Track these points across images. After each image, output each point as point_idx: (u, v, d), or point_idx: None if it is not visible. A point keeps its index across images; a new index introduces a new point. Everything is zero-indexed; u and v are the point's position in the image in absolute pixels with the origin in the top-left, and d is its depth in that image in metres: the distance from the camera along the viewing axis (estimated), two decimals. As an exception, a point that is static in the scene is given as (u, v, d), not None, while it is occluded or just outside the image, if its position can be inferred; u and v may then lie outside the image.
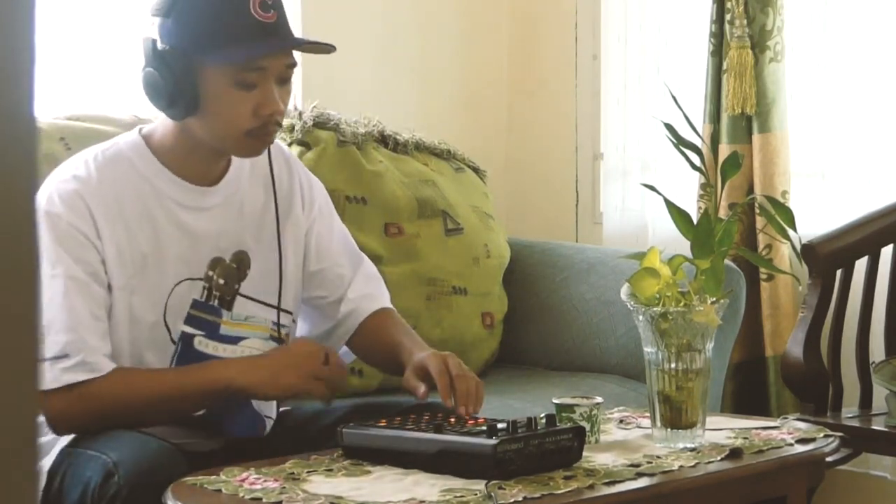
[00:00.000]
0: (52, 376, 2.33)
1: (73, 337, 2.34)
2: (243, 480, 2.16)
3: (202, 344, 2.49)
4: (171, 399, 2.39)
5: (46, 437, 2.39)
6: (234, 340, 2.53)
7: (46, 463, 2.35)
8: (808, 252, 3.36)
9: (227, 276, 2.51)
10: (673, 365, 2.35)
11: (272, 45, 2.39)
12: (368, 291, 2.66)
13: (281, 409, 2.65)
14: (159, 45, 2.39)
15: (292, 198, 2.60)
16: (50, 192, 2.39)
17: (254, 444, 2.50)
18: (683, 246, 2.44)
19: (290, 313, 2.60)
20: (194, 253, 2.48)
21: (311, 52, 2.51)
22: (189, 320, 2.48)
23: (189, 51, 2.37)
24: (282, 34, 2.41)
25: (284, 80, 2.42)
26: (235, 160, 2.52)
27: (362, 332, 2.63)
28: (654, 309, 2.34)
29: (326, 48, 2.44)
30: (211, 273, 2.49)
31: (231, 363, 2.45)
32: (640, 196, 4.03)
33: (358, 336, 2.64)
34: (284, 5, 2.45)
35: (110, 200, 2.41)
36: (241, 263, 2.53)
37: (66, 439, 2.37)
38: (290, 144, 3.34)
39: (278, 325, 2.55)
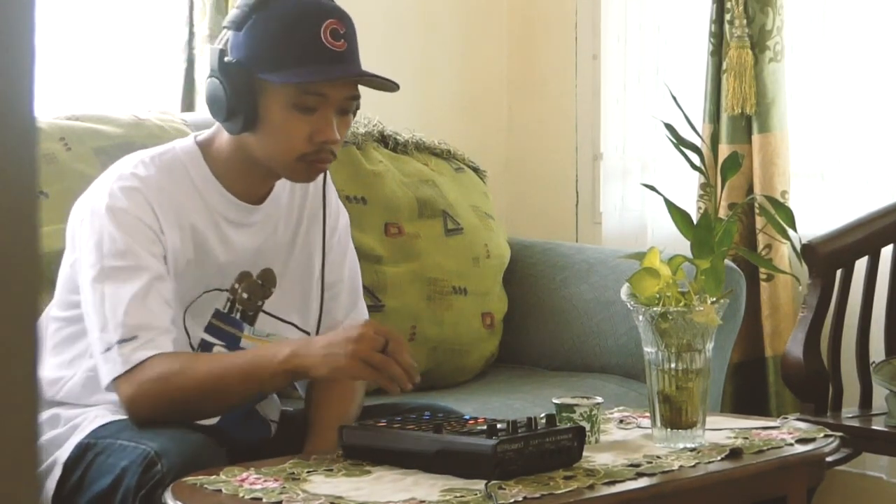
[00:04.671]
0: (122, 359, 2.30)
1: (142, 321, 2.31)
2: (243, 480, 2.16)
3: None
4: (233, 376, 2.31)
5: (56, 430, 2.39)
6: None
7: (62, 455, 2.34)
8: (808, 252, 3.36)
9: (252, 291, 2.50)
10: (673, 365, 2.35)
11: (334, 72, 2.36)
12: None
13: (281, 410, 2.65)
14: (226, 58, 2.39)
15: (316, 216, 2.57)
16: (111, 189, 2.38)
17: (255, 445, 2.50)
18: (683, 246, 2.44)
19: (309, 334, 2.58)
20: (229, 266, 2.47)
21: (374, 88, 2.45)
22: (209, 329, 2.47)
23: (253, 67, 2.36)
24: (348, 64, 2.39)
25: (345, 111, 2.40)
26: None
27: None
28: (654, 309, 2.33)
29: (391, 86, 2.41)
30: (237, 286, 2.49)
31: (285, 343, 2.39)
32: (639, 196, 4.04)
33: None
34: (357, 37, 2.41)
35: (167, 203, 2.40)
36: (266, 281, 2.52)
37: (82, 432, 2.36)
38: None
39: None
